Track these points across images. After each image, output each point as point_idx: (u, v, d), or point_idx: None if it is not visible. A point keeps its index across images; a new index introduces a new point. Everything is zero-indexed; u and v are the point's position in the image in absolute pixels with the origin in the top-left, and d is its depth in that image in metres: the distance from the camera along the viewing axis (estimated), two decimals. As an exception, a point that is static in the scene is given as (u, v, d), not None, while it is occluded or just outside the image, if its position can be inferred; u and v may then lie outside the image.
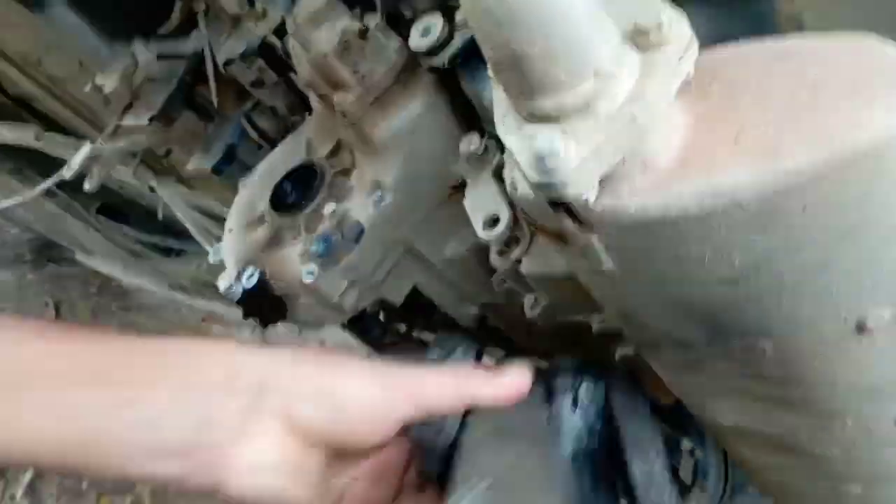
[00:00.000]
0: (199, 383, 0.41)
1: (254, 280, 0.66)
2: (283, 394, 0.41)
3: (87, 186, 0.89)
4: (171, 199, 1.18)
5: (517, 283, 0.67)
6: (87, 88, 0.84)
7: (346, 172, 0.70)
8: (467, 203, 0.54)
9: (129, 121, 0.88)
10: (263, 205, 0.72)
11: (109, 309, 2.03)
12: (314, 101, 0.69)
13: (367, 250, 0.66)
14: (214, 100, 0.84)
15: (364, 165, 0.66)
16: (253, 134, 0.91)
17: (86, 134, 1.44)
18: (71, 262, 2.12)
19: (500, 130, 0.37)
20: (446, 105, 0.62)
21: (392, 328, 1.51)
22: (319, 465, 0.43)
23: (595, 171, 0.35)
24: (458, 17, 0.58)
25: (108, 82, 0.81)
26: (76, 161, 0.87)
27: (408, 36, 0.60)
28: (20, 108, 1.50)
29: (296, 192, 0.71)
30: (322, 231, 0.66)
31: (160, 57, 0.86)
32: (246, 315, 0.69)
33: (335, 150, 0.72)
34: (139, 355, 0.42)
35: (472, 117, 0.64)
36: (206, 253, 1.95)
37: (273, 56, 0.90)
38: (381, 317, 1.57)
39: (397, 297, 0.71)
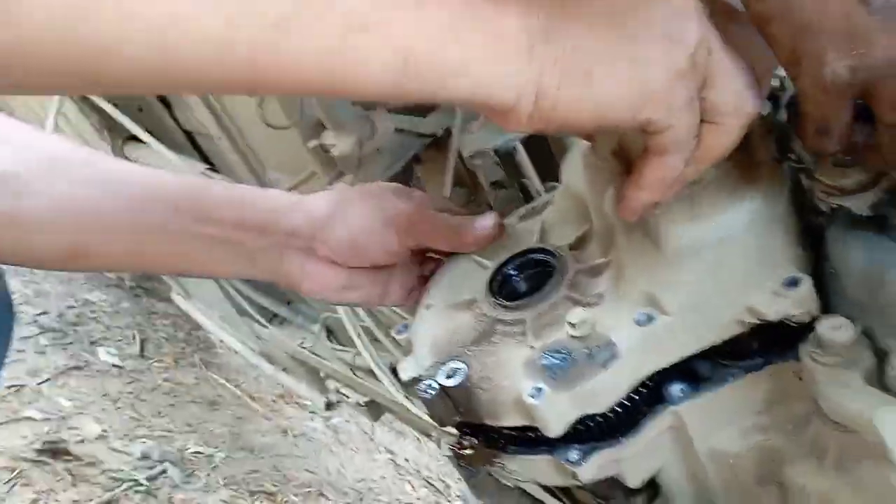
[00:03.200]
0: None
1: (458, 379, 0.50)
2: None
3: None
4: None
5: None
6: (312, 145, 0.77)
7: (594, 272, 0.55)
8: (887, 429, 0.40)
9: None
10: (477, 288, 0.57)
11: (191, 359, 1.93)
12: (577, 175, 0.58)
13: (614, 383, 0.49)
14: (448, 190, 0.75)
15: (635, 270, 0.51)
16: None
17: (243, 180, 1.39)
18: (167, 300, 2.06)
19: None
20: (782, 228, 0.47)
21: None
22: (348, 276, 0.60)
23: None
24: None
25: (342, 144, 0.73)
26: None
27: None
28: (186, 141, 1.47)
29: (523, 280, 0.57)
30: (560, 340, 0.50)
31: (397, 130, 0.78)
32: (433, 418, 0.55)
33: (580, 242, 0.58)
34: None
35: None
36: (310, 329, 1.81)
37: (511, 160, 0.82)
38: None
39: (636, 478, 0.57)
